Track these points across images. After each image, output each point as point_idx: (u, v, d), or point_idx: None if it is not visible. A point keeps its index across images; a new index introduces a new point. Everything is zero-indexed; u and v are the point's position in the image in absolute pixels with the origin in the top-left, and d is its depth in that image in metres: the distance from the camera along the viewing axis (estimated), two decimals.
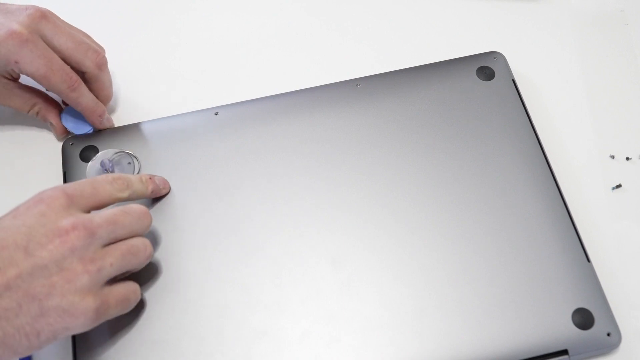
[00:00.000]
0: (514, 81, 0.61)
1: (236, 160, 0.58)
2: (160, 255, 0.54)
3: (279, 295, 0.52)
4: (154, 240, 0.55)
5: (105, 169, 0.58)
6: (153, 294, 0.53)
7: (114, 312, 0.49)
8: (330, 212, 0.55)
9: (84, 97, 0.59)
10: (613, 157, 0.60)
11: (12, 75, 0.59)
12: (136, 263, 0.50)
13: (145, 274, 0.53)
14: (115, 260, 0.48)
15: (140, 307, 0.52)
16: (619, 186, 0.58)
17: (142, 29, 0.69)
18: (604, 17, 0.68)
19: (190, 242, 0.55)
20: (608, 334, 0.50)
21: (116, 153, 0.59)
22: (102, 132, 0.61)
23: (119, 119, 0.64)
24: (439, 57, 0.63)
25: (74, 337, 0.52)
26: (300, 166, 0.58)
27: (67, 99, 0.59)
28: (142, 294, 0.52)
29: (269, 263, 0.53)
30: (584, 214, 0.56)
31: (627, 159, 0.60)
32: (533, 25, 0.68)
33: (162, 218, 0.56)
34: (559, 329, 0.50)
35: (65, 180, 0.59)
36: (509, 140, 0.58)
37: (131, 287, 0.50)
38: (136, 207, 0.51)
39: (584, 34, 0.67)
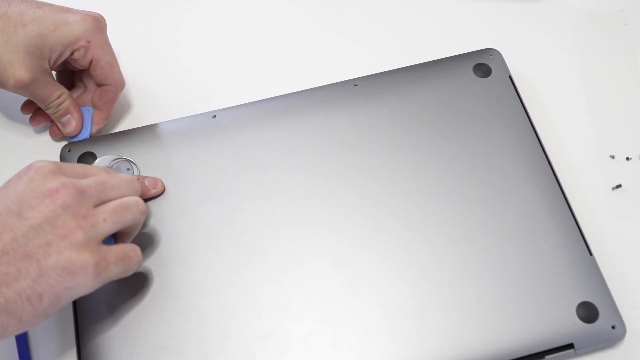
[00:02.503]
0: (510, 77, 0.61)
1: (236, 163, 0.58)
2: (163, 260, 0.54)
3: (282, 298, 0.52)
4: (155, 245, 0.55)
5: None
6: (156, 299, 0.52)
7: (115, 271, 0.48)
8: (331, 212, 0.55)
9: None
10: (613, 157, 0.60)
11: (57, 61, 0.58)
12: (130, 218, 0.50)
13: (149, 278, 0.53)
14: (108, 215, 0.48)
15: (144, 312, 0.52)
16: (619, 186, 0.58)
17: (139, 31, 0.69)
18: (604, 17, 0.68)
19: (191, 247, 0.54)
20: (613, 327, 0.50)
21: (114, 160, 0.59)
22: (100, 138, 0.61)
23: (115, 125, 0.63)
24: (437, 58, 0.63)
25: (78, 343, 0.51)
26: (300, 168, 0.57)
27: (114, 94, 0.60)
28: (143, 296, 0.52)
29: (271, 265, 0.53)
30: (584, 214, 0.56)
31: (627, 159, 0.60)
32: (532, 25, 0.68)
33: (162, 222, 0.55)
34: (564, 323, 0.50)
35: None
36: (508, 136, 0.58)
37: (130, 246, 0.50)
38: (124, 174, 0.52)
39: (584, 33, 0.67)
